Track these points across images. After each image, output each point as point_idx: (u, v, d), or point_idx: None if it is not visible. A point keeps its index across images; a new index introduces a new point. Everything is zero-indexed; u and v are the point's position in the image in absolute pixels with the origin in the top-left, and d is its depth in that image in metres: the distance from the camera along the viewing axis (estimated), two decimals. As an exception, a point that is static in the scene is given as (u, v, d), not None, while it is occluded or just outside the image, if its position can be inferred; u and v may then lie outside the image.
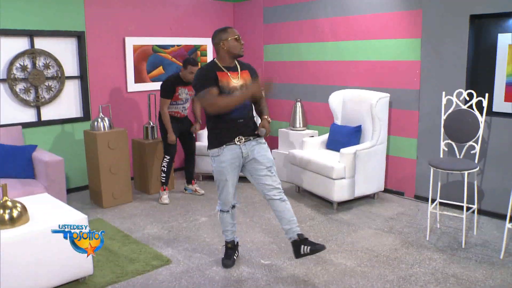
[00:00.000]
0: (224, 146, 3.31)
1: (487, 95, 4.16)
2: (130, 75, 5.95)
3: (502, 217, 4.34)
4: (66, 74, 5.41)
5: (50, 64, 5.24)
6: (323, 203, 5.08)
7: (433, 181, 4.22)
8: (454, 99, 4.32)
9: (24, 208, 3.17)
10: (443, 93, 4.39)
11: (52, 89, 5.31)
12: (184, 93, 5.07)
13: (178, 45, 6.37)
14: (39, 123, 5.27)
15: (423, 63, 4.90)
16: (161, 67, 6.25)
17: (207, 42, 6.60)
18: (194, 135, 5.45)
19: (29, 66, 5.11)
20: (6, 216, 3.05)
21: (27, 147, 4.74)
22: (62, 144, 5.45)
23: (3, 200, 3.11)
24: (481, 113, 4.14)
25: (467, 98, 4.35)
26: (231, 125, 3.31)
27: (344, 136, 5.18)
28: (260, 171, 3.37)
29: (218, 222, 3.70)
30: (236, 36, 3.32)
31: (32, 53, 5.09)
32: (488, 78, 4.50)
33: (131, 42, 5.88)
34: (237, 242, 3.74)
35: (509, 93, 4.36)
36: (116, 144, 5.02)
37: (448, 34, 4.65)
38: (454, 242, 3.99)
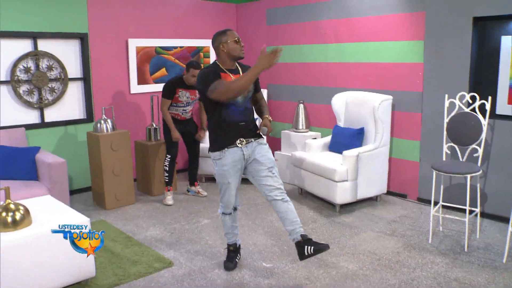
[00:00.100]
0: (226, 149, 3.30)
1: (490, 98, 4.15)
2: (133, 76, 5.96)
3: (505, 220, 4.33)
4: (69, 76, 5.43)
5: (53, 66, 5.26)
6: (326, 205, 5.07)
7: (436, 184, 4.21)
8: (457, 102, 4.31)
9: (26, 210, 3.18)
10: (446, 96, 4.38)
11: (56, 90, 5.33)
12: (185, 96, 5.07)
13: (181, 47, 6.38)
14: (43, 124, 5.29)
15: (426, 65, 4.89)
16: (164, 69, 6.26)
17: (210, 44, 6.60)
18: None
19: (33, 68, 5.13)
20: (9, 219, 3.06)
21: (30, 148, 4.75)
22: (65, 146, 5.47)
23: (6, 202, 3.12)
24: (484, 116, 4.12)
25: (470, 101, 4.34)
26: (232, 128, 3.30)
27: (346, 138, 5.17)
28: (261, 172, 3.35)
29: (220, 224, 3.70)
30: (235, 38, 3.32)
31: (36, 55, 5.11)
32: (491, 80, 4.48)
33: (134, 44, 5.89)
34: (239, 245, 3.74)
35: (513, 96, 4.35)
36: (119, 145, 5.03)
37: (451, 36, 4.64)
38: (456, 246, 3.98)
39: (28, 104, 5.14)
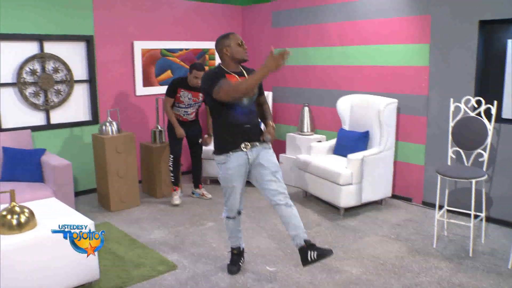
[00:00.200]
0: (231, 153, 3.30)
1: (495, 102, 4.12)
2: (138, 78, 5.98)
3: (511, 225, 4.30)
4: (75, 78, 5.46)
5: (59, 68, 5.29)
6: (330, 208, 5.06)
7: (441, 188, 4.19)
8: (462, 106, 4.28)
9: (31, 213, 3.20)
10: (451, 100, 4.36)
11: (61, 92, 5.36)
12: (186, 97, 5.09)
13: (186, 49, 6.39)
14: (48, 126, 5.31)
15: (431, 68, 4.87)
16: (169, 71, 6.27)
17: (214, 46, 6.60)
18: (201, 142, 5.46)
19: (39, 70, 5.16)
20: (14, 222, 3.08)
21: (36, 151, 4.78)
22: (71, 147, 5.49)
23: (11, 205, 3.14)
24: (490, 121, 4.10)
25: (476, 105, 4.31)
26: (237, 131, 3.30)
27: (351, 142, 5.16)
28: (265, 176, 3.35)
29: (225, 227, 3.71)
30: (238, 42, 3.32)
31: (42, 57, 5.14)
32: (497, 84, 4.46)
33: (139, 46, 5.91)
34: (243, 249, 3.73)
35: (519, 100, 4.33)
36: (124, 148, 5.05)
37: (456, 39, 4.62)
38: (461, 251, 3.96)
39: (34, 106, 5.17)
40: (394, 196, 5.34)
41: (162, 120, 5.77)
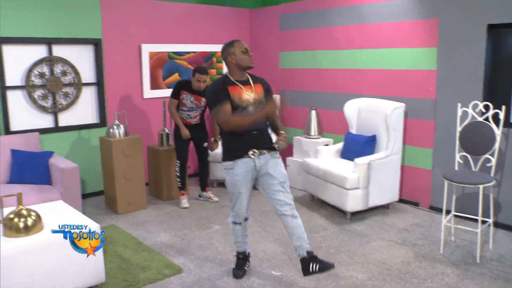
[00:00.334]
0: (238, 159, 3.30)
1: (504, 107, 4.09)
2: (146, 81, 6.01)
3: (519, 231, 4.27)
4: (83, 81, 5.50)
5: (67, 71, 5.33)
6: (337, 212, 5.05)
7: (448, 193, 4.16)
8: (470, 110, 4.25)
9: (38, 216, 3.22)
10: (459, 104, 4.33)
11: (69, 95, 5.39)
12: (189, 99, 5.10)
13: (194, 52, 6.41)
14: (56, 129, 5.35)
15: (439, 72, 4.84)
16: (177, 74, 6.29)
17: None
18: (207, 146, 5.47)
19: (47, 73, 5.20)
20: (21, 225, 3.11)
21: (44, 153, 4.82)
22: (79, 150, 5.53)
23: (18, 208, 3.17)
24: (498, 126, 4.06)
25: (483, 110, 4.28)
26: (245, 137, 3.31)
27: (358, 145, 5.14)
28: (273, 186, 3.35)
29: (231, 231, 3.72)
30: (243, 49, 3.32)
31: (50, 60, 5.18)
32: (506, 89, 4.42)
33: (147, 49, 5.94)
34: (249, 253, 3.74)
35: (527, 105, 4.28)
36: (131, 151, 5.07)
37: (464, 43, 4.59)
38: (468, 257, 3.93)
39: (43, 109, 5.21)
40: (401, 201, 5.31)
41: (169, 123, 5.79)
